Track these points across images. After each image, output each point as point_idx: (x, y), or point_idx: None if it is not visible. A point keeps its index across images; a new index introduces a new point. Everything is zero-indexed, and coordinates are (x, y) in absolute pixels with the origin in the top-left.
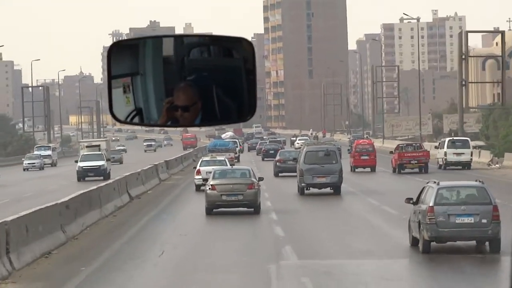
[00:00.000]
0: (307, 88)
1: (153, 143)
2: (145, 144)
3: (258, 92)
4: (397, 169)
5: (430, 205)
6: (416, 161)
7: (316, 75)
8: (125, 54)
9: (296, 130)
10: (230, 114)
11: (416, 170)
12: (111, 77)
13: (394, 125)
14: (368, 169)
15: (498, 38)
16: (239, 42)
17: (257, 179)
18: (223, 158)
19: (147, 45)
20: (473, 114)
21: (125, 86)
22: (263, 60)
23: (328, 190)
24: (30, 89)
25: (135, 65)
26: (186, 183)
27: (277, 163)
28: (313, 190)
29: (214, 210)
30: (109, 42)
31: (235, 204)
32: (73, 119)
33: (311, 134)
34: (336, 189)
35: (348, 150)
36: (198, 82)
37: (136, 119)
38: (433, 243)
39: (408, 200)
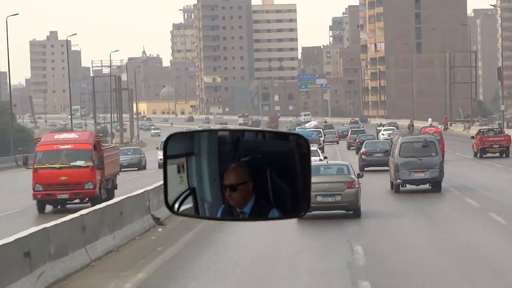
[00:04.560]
0: (414, 65)
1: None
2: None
3: (351, 73)
4: (478, 154)
5: None
6: (498, 145)
7: (427, 48)
8: (182, 140)
9: (403, 120)
10: (285, 201)
11: (497, 154)
12: (167, 164)
13: None
14: None
15: None
16: (294, 138)
17: (356, 176)
18: (315, 148)
19: (203, 134)
20: None
21: (180, 165)
22: (358, 31)
23: (426, 186)
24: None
25: (190, 146)
26: None
27: (363, 156)
28: (409, 186)
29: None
30: (180, 18)
31: (332, 206)
32: (134, 107)
33: (430, 125)
34: (436, 185)
35: None
36: (251, 163)
37: (190, 210)
38: None
39: None
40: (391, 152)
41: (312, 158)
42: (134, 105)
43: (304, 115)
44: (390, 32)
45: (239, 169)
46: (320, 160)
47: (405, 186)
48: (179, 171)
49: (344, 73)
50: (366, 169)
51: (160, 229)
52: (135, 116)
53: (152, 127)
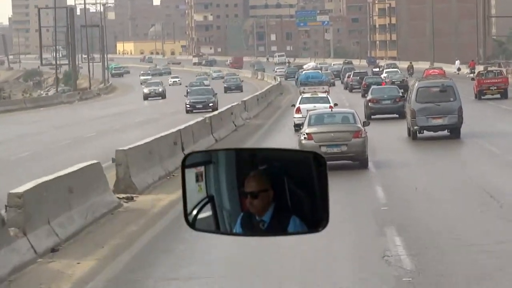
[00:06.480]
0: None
1: None
2: None
3: (355, 10)
4: (477, 95)
5: None
6: (495, 87)
7: None
8: (199, 153)
9: (421, 63)
10: (303, 210)
11: (497, 96)
12: (185, 182)
13: None
14: None
15: None
16: (310, 155)
17: (362, 124)
18: (325, 95)
19: (220, 152)
20: None
21: (198, 175)
22: None
23: (445, 132)
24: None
25: (208, 155)
26: None
27: (369, 103)
28: (427, 133)
29: None
30: None
31: (338, 157)
32: (120, 47)
33: (458, 69)
34: (455, 132)
35: None
36: (270, 171)
37: (209, 221)
38: None
39: None
40: (407, 97)
41: (322, 105)
42: (120, 44)
43: (278, 55)
44: None
45: (260, 176)
46: (331, 107)
47: (423, 132)
48: (197, 180)
49: (348, 11)
50: (373, 117)
51: None
52: (115, 58)
53: (142, 72)
